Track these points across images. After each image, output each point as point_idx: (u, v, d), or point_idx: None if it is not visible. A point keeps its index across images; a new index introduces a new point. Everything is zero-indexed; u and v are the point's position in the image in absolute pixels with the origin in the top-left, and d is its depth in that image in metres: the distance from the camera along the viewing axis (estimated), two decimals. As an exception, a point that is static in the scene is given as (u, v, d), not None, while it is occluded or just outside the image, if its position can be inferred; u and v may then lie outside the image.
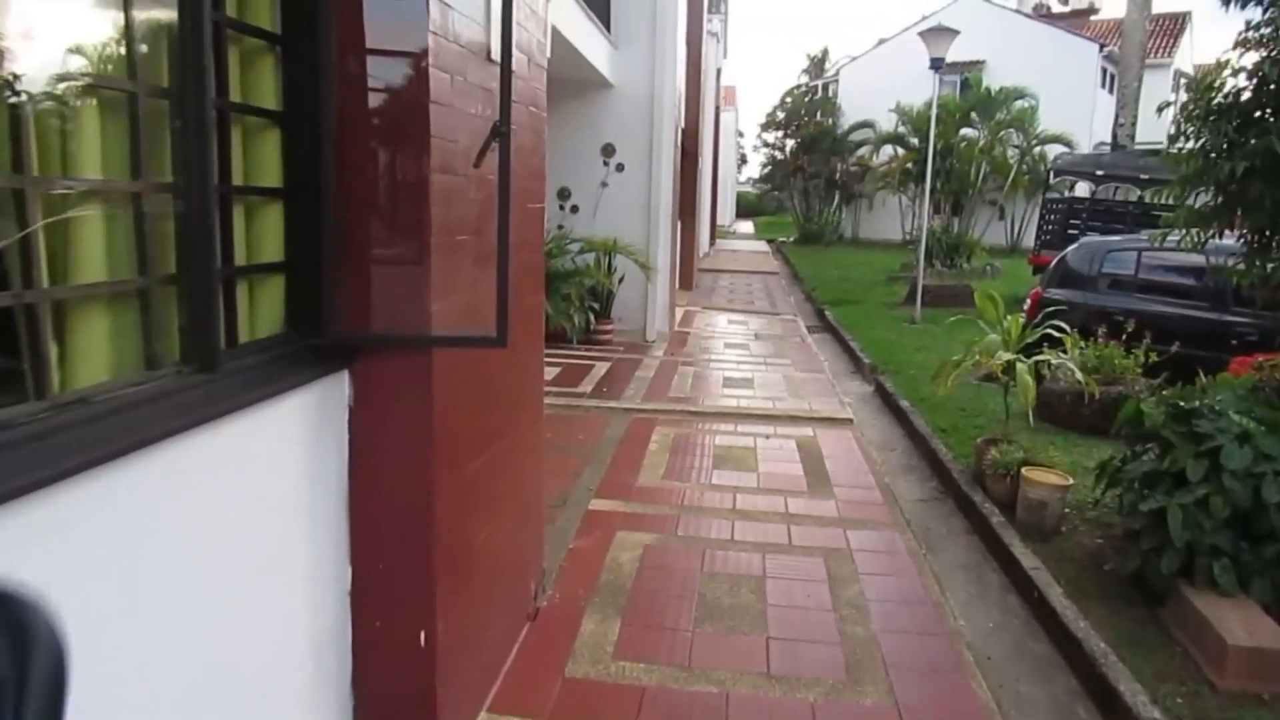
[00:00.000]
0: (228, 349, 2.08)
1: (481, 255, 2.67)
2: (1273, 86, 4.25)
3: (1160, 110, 5.89)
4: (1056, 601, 4.03)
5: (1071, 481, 5.02)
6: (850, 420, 7.26)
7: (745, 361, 9.77)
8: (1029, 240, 26.80)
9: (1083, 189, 16.35)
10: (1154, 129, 29.56)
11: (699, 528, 4.88)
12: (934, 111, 12.43)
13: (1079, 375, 5.53)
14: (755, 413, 7.35)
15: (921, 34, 12.48)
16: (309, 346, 2.34)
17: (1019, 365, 5.35)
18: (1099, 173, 14.05)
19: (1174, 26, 32.58)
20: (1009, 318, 5.71)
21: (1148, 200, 13.91)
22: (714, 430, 6.89)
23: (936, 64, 12.23)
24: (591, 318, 9.96)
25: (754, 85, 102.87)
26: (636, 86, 10.22)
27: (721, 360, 9.82)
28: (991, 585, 4.57)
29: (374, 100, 2.28)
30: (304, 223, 2.29)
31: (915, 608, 4.08)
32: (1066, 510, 5.05)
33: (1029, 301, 9.38)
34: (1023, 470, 5.08)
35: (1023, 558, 4.52)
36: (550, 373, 8.51)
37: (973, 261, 19.60)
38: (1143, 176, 13.68)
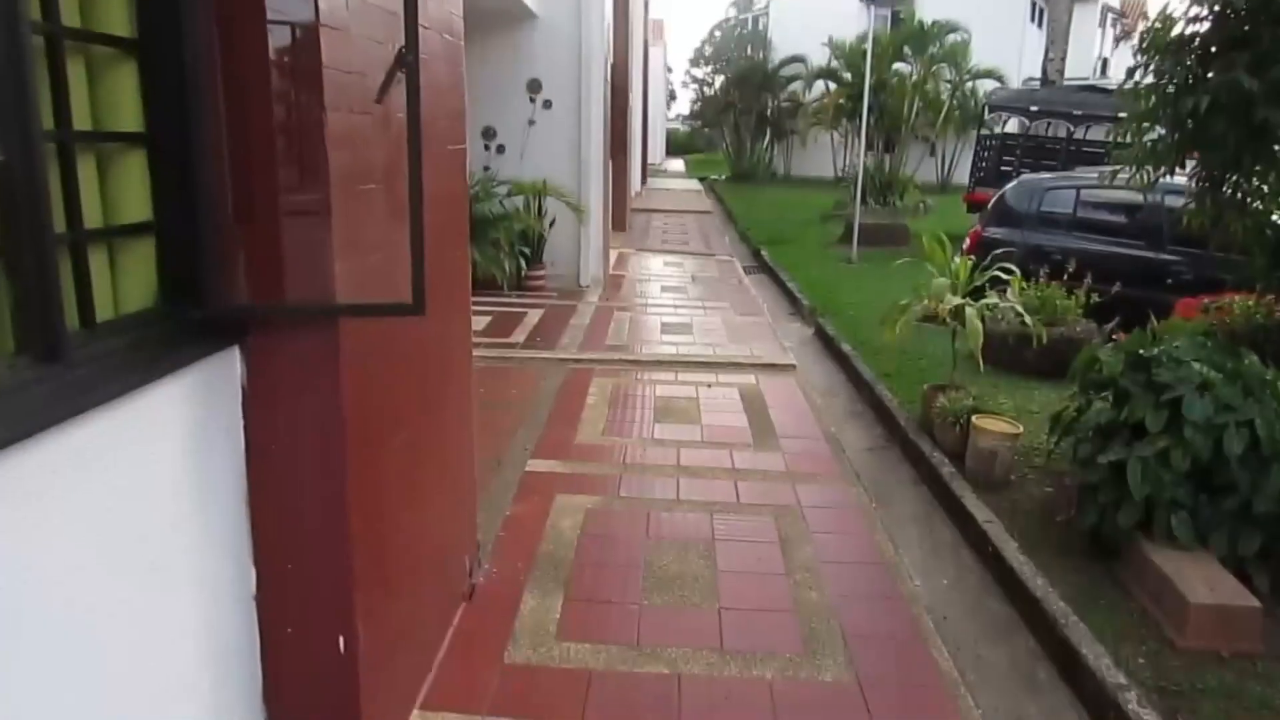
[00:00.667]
0: (81, 330, 1.72)
1: (394, 208, 2.31)
2: (1235, 17, 4.05)
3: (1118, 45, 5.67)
4: (1013, 558, 3.91)
5: (1021, 430, 4.91)
6: (793, 366, 7.07)
7: (683, 305, 9.51)
8: (960, 177, 26.93)
9: (1013, 125, 16.35)
10: (1082, 65, 29.82)
11: (643, 487, 4.64)
12: (870, 45, 12.16)
13: (1027, 319, 5.40)
14: (696, 360, 7.12)
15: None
16: (189, 321, 1.98)
17: (968, 309, 5.19)
18: (1033, 108, 14.00)
19: (1100, -40, 32.67)
20: (958, 260, 5.53)
21: (1080, 137, 13.95)
22: (654, 380, 6.64)
23: (873, -5, 11.89)
24: (523, 264, 9.56)
25: (682, 20, 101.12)
26: (563, 18, 9.68)
27: (659, 305, 9.54)
28: (944, 540, 4.45)
29: (251, 22, 1.89)
30: (174, 174, 1.90)
31: (870, 569, 3.93)
32: (1015, 458, 4.95)
33: (968, 241, 9.28)
34: (973, 419, 4.96)
35: (976, 511, 4.40)
36: (480, 323, 8.14)
37: (905, 199, 19.53)
38: (1076, 112, 13.68)
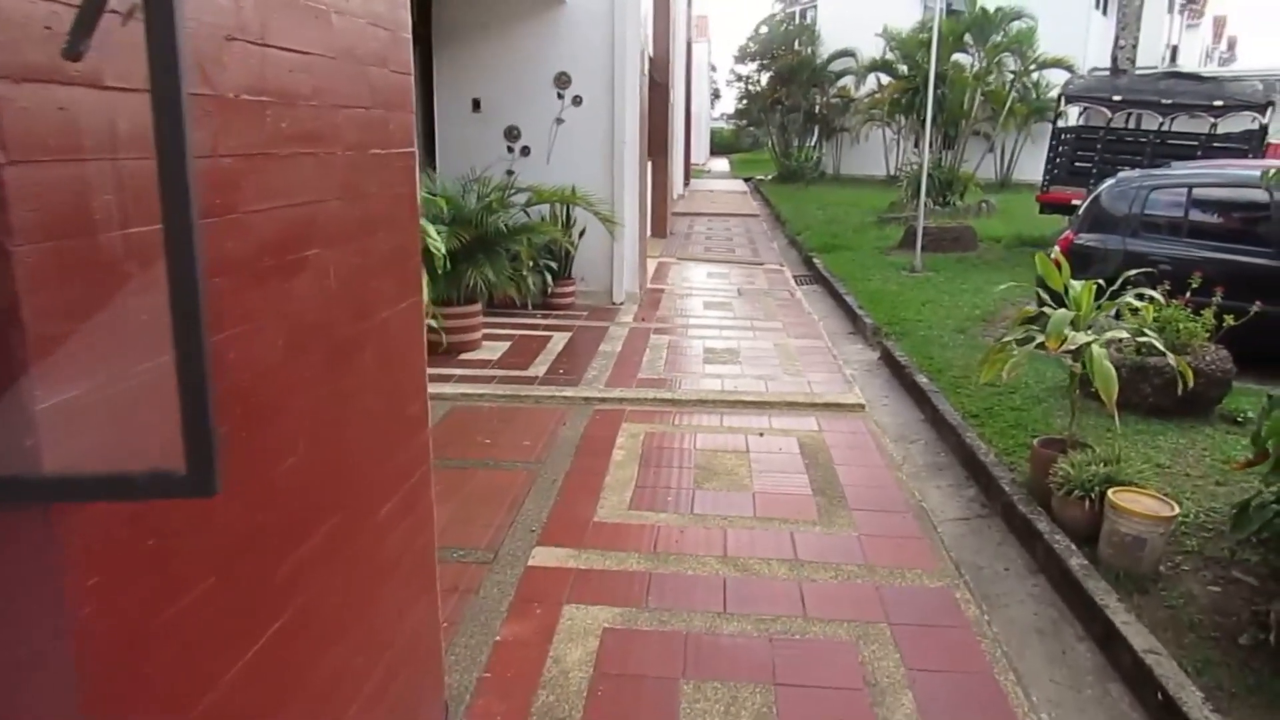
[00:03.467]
0: None
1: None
2: None
3: None
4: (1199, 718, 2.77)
5: (1177, 511, 3.74)
6: (861, 406, 5.94)
7: (729, 326, 8.41)
8: (1020, 174, 25.47)
9: (1078, 117, 14.95)
10: (1150, 54, 28.07)
11: (679, 594, 3.55)
12: (937, 24, 11.00)
13: (1171, 360, 4.21)
14: (745, 399, 6.02)
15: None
16: None
17: (1095, 350, 4.03)
18: (1116, 98, 12.60)
19: (1169, -58, 30.79)
20: (1078, 284, 4.36)
21: (1167, 129, 12.55)
22: (695, 426, 5.56)
23: (939, -26, 10.68)
24: (549, 278, 8.53)
25: (727, 16, 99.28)
26: (595, 3, 8.64)
27: (701, 325, 8.45)
28: (1083, 666, 3.32)
29: None
30: None
31: (996, 734, 2.81)
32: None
33: (1058, 249, 8.06)
34: (1109, 494, 3.80)
35: (1127, 630, 3.26)
36: (496, 350, 7.14)
37: (966, 199, 18.19)
38: (1165, 102, 12.28)
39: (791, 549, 3.92)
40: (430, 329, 5.71)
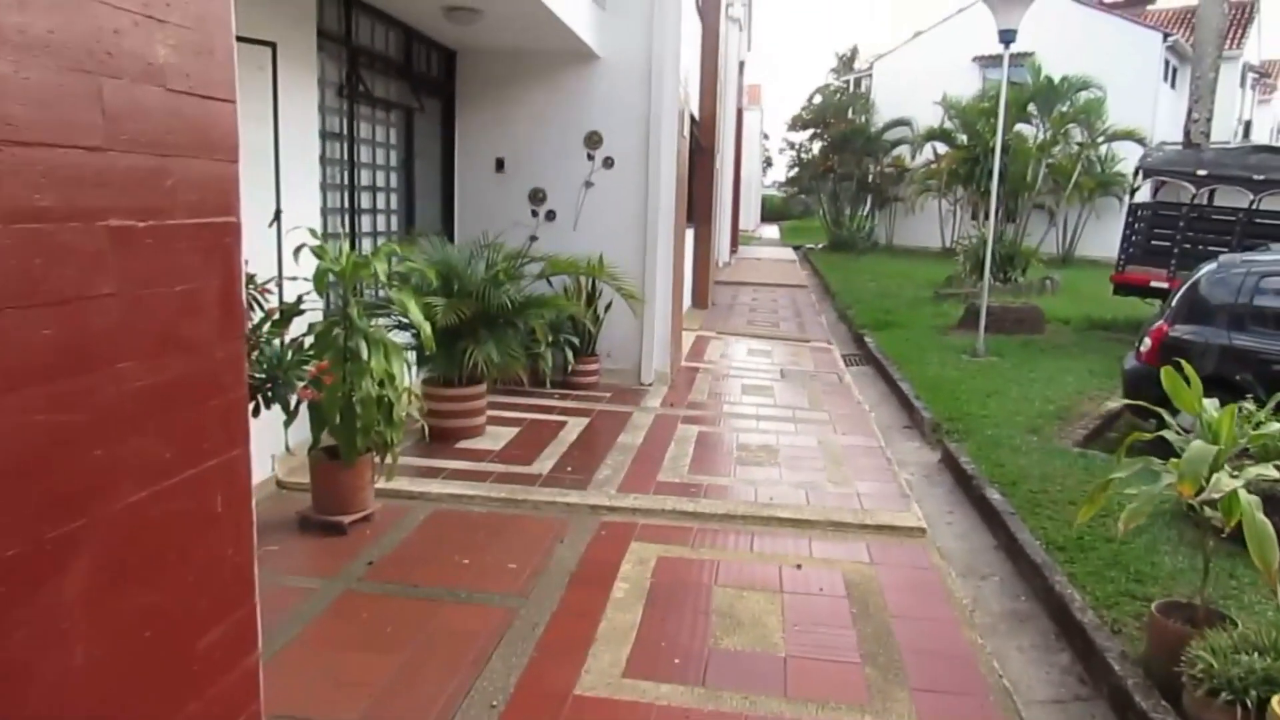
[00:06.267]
0: None
1: None
2: None
3: None
4: None
5: (1374, 736, 2.69)
6: (922, 531, 4.93)
7: (768, 415, 7.46)
8: (1084, 249, 24.28)
9: (1150, 190, 13.89)
10: (1223, 128, 26.92)
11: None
12: (1004, 91, 10.12)
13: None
14: (781, 514, 5.05)
15: (988, 1, 10.11)
16: None
17: (1244, 499, 3.02)
18: (1200, 172, 11.55)
19: (1241, 16, 29.78)
20: (1215, 407, 3.37)
21: (1258, 207, 11.45)
22: (718, 551, 4.61)
23: (1007, 36, 9.86)
24: (570, 355, 7.69)
25: (780, 89, 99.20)
26: (630, 57, 7.95)
27: (737, 414, 7.51)
28: None
29: None
30: None
31: None
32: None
33: (1148, 343, 7.04)
34: (1274, 702, 2.77)
35: None
36: (500, 438, 6.28)
37: (1028, 274, 17.10)
38: (1257, 177, 11.21)
39: (832, 755, 2.93)
40: (410, 418, 4.87)
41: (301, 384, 3.96)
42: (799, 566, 4.39)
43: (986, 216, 19.04)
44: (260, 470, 5.14)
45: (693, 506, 5.11)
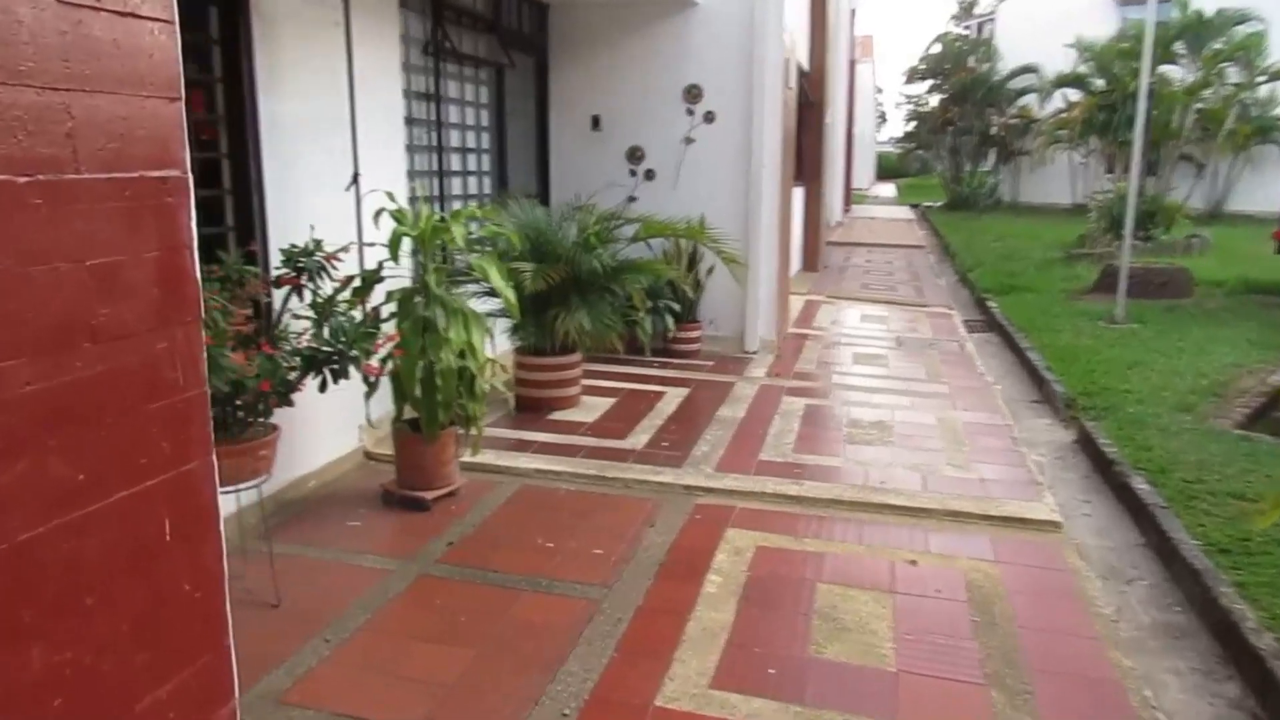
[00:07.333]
0: None
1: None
2: None
3: None
4: None
5: None
6: (1056, 525, 4.38)
7: (881, 388, 6.93)
8: (1237, 204, 22.21)
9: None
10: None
11: None
12: (1151, 20, 9.05)
13: None
14: (894, 501, 4.58)
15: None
16: None
17: None
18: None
19: None
20: None
21: None
22: (823, 541, 4.19)
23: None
24: (670, 321, 7.33)
25: (895, 41, 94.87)
26: (730, 4, 7.43)
27: (847, 386, 7.01)
28: None
29: None
30: None
31: None
32: None
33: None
34: None
35: None
36: (595, 409, 6.01)
37: (1172, 232, 15.68)
38: None
39: (952, 798, 2.51)
40: (496, 390, 4.61)
41: (368, 359, 3.72)
42: (913, 563, 3.94)
43: (1125, 169, 17.59)
44: (348, 442, 5.01)
45: (796, 490, 4.69)
